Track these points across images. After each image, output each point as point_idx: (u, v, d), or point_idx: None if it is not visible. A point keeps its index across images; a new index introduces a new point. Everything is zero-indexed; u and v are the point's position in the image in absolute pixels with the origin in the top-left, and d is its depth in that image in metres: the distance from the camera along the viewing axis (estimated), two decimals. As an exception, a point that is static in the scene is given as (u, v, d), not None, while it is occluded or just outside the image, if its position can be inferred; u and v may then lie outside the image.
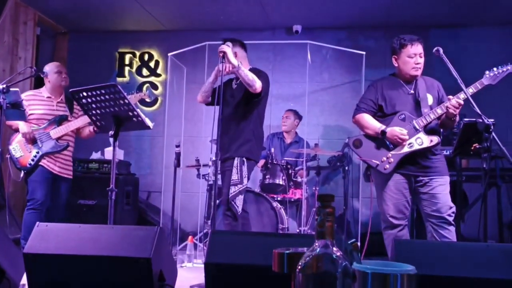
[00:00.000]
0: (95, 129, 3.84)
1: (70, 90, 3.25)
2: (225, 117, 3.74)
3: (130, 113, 3.17)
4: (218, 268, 2.37)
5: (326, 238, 1.03)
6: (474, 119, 2.91)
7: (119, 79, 6.80)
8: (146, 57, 6.78)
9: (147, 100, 6.46)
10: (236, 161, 3.75)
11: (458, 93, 3.20)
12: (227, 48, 3.60)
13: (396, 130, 3.32)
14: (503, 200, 5.05)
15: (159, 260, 2.44)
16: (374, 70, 5.74)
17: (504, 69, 3.29)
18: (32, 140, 4.12)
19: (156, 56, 6.76)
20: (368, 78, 5.40)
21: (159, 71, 6.75)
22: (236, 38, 3.93)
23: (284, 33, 6.48)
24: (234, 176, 3.73)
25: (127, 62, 6.80)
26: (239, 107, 3.82)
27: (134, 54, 6.81)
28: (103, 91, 3.11)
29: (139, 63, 6.78)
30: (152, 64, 6.76)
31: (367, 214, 5.91)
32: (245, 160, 3.78)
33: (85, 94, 3.18)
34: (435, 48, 3.30)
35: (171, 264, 2.70)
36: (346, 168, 5.49)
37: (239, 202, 3.73)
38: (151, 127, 3.25)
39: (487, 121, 2.81)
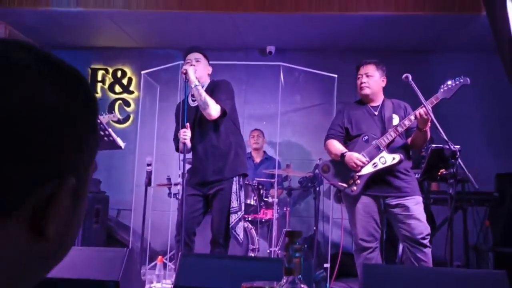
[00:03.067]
0: None
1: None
2: (199, 134, 3.69)
3: (102, 132, 3.15)
4: (187, 292, 2.36)
5: (294, 274, 1.04)
6: (441, 145, 2.99)
7: (91, 96, 6.74)
8: (119, 74, 6.76)
9: (118, 117, 6.41)
10: (235, 186, 3.64)
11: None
12: (190, 68, 3.62)
13: (354, 155, 3.40)
14: (469, 222, 5.18)
15: (128, 283, 2.42)
16: (346, 92, 5.84)
17: (457, 82, 3.40)
18: None
19: (129, 73, 6.74)
20: (340, 100, 5.50)
21: (132, 88, 6.72)
22: (202, 49, 3.91)
23: (257, 54, 6.55)
24: (234, 204, 3.61)
25: (99, 78, 6.76)
26: (211, 123, 3.67)
27: (106, 71, 6.77)
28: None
29: (112, 80, 6.75)
30: (125, 81, 6.74)
31: (337, 234, 5.95)
32: (241, 180, 3.70)
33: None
34: (404, 75, 3.39)
35: (140, 287, 2.68)
36: (317, 189, 5.53)
37: (239, 230, 3.68)
38: (122, 147, 3.24)
39: (453, 147, 2.89)
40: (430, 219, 4.70)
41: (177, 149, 3.89)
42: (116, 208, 6.38)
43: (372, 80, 3.54)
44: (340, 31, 5.78)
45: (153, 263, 5.37)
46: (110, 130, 3.16)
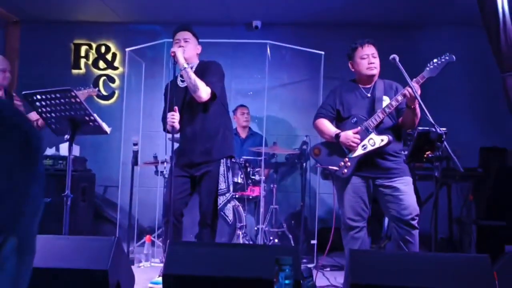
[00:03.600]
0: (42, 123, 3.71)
1: (23, 92, 3.16)
2: (188, 116, 3.67)
3: (87, 118, 3.12)
4: (176, 280, 2.38)
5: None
6: (428, 128, 3.00)
7: (75, 71, 6.64)
8: (103, 49, 6.64)
9: (102, 93, 6.33)
10: (222, 167, 3.65)
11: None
12: (178, 50, 3.57)
13: (349, 134, 3.41)
14: (453, 196, 5.27)
15: (116, 271, 2.43)
16: (332, 68, 5.82)
17: (443, 60, 3.38)
18: None
19: (113, 48, 6.63)
20: (327, 75, 5.48)
21: (116, 64, 6.63)
22: (191, 28, 3.84)
23: (244, 29, 6.47)
24: (222, 185, 3.63)
25: (83, 54, 6.65)
26: (200, 105, 3.65)
27: (90, 46, 6.65)
28: (58, 95, 3.05)
29: (96, 56, 6.64)
30: (109, 57, 6.63)
31: (324, 210, 6.02)
32: (229, 162, 3.72)
33: (39, 97, 3.11)
34: (391, 56, 3.37)
35: (128, 274, 2.69)
36: (304, 164, 5.56)
37: (228, 211, 3.72)
38: (108, 132, 3.21)
39: (440, 130, 2.91)
40: (416, 195, 4.78)
41: (165, 130, 3.88)
42: (102, 185, 6.37)
43: (377, 60, 3.52)
44: (325, 6, 5.71)
45: (141, 241, 5.40)
46: (95, 115, 3.11)
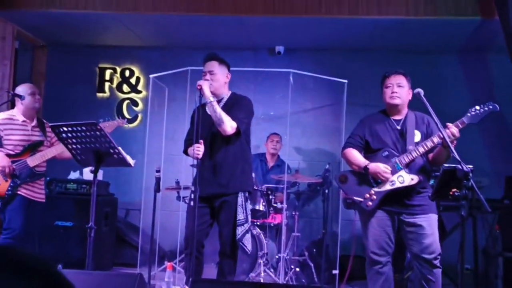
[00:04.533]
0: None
1: (50, 124, 3.21)
2: (210, 146, 3.67)
3: (111, 150, 3.15)
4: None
5: None
6: (454, 165, 2.95)
7: (99, 95, 6.74)
8: (127, 73, 6.73)
9: (125, 125, 6.37)
10: (240, 198, 3.65)
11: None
12: (205, 83, 3.59)
13: (379, 167, 3.37)
14: (478, 225, 5.17)
15: (138, 310, 2.43)
16: (355, 94, 5.81)
17: (486, 108, 3.30)
18: (10, 173, 4.04)
19: (137, 72, 6.72)
20: (349, 101, 5.47)
21: (139, 87, 6.70)
22: (219, 56, 3.83)
23: (266, 54, 6.50)
24: (240, 216, 3.63)
25: (107, 77, 6.75)
26: (223, 136, 3.64)
27: (115, 70, 6.75)
28: (84, 128, 3.08)
29: (120, 79, 6.73)
30: (133, 81, 6.72)
31: (347, 237, 5.96)
32: (247, 194, 3.72)
33: (65, 129, 3.15)
34: (416, 90, 3.34)
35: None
36: (326, 191, 5.52)
37: (246, 241, 3.70)
38: (132, 165, 3.23)
39: (466, 168, 2.86)
40: (440, 226, 4.69)
41: (185, 152, 3.90)
42: (124, 208, 6.41)
43: (403, 90, 3.48)
44: (349, 33, 5.72)
45: (162, 267, 5.41)
46: (119, 148, 3.14)
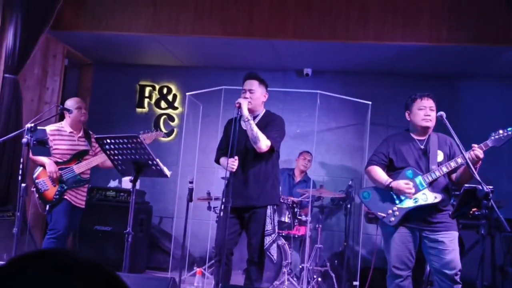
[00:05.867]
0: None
1: (95, 136, 3.28)
2: (243, 159, 3.66)
3: (150, 162, 3.19)
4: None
5: None
6: (474, 186, 2.89)
7: (139, 110, 6.84)
8: (165, 90, 6.83)
9: (162, 138, 6.45)
10: (269, 211, 3.65)
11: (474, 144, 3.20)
12: (243, 101, 3.60)
13: (401, 184, 3.32)
14: (496, 245, 5.03)
15: (171, 312, 2.44)
16: (378, 115, 5.77)
17: (510, 132, 3.23)
18: (58, 178, 4.14)
19: (174, 90, 6.81)
20: (372, 121, 5.43)
21: (176, 104, 6.78)
22: (259, 75, 3.83)
23: (294, 75, 6.51)
24: (268, 227, 3.63)
25: (146, 94, 6.85)
26: (257, 152, 3.62)
27: (153, 87, 6.85)
28: (125, 140, 3.13)
29: (158, 96, 6.82)
30: (170, 98, 6.80)
31: (367, 250, 5.88)
32: (275, 206, 3.73)
33: (108, 141, 3.20)
34: (439, 113, 3.30)
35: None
36: (349, 206, 5.47)
37: (273, 251, 3.70)
38: (168, 176, 3.26)
39: (486, 188, 2.80)
40: (459, 243, 4.60)
41: (217, 161, 3.92)
42: (158, 215, 6.46)
43: (434, 114, 3.44)
44: (374, 58, 5.69)
45: (192, 272, 5.41)
46: (157, 160, 3.17)
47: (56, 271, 0.58)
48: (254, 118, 3.71)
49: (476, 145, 3.19)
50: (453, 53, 5.30)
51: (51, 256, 0.60)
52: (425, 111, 3.43)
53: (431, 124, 3.44)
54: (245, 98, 3.65)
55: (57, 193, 4.12)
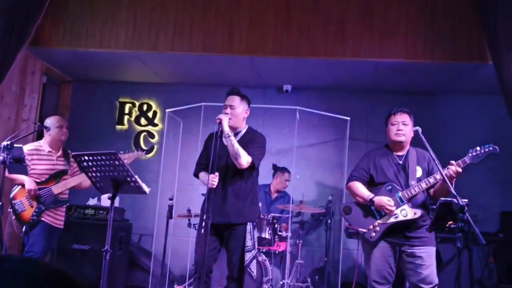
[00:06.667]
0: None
1: (72, 154, 3.26)
2: (223, 175, 3.64)
3: (128, 179, 3.17)
4: None
5: None
6: (450, 199, 2.94)
7: (118, 127, 6.80)
8: (145, 107, 6.80)
9: (142, 157, 6.42)
10: (249, 226, 3.65)
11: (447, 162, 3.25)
12: (224, 117, 3.60)
13: (383, 200, 3.36)
14: (474, 258, 5.09)
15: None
16: (357, 130, 5.83)
17: (486, 150, 3.31)
18: (35, 196, 4.07)
19: (154, 107, 6.79)
20: (352, 137, 5.48)
21: (156, 121, 6.76)
22: (241, 91, 3.83)
23: (275, 92, 6.56)
24: (248, 243, 3.61)
25: (126, 111, 6.81)
26: (237, 169, 3.63)
27: (133, 104, 6.82)
28: (104, 157, 3.11)
29: (138, 113, 6.79)
30: (150, 114, 6.78)
31: (347, 265, 5.88)
32: (254, 223, 3.72)
33: (86, 158, 3.18)
34: (415, 128, 3.37)
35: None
36: (329, 221, 5.49)
37: (253, 267, 3.68)
38: (147, 192, 3.25)
39: (462, 202, 2.85)
40: (437, 257, 4.65)
41: (196, 175, 3.91)
42: (138, 233, 6.38)
43: (407, 128, 3.49)
44: (352, 74, 5.77)
45: (172, 290, 5.35)
46: (136, 177, 3.16)
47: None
48: (236, 134, 3.72)
49: (454, 162, 3.24)
50: (429, 70, 5.41)
51: None
52: (397, 126, 3.49)
53: (403, 138, 3.49)
54: (226, 113, 3.66)
55: (34, 214, 4.05)
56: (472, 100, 6.14)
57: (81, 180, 4.13)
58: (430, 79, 5.74)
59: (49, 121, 4.33)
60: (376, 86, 6.14)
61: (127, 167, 3.11)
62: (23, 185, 4.07)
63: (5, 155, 3.58)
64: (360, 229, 3.46)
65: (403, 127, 3.48)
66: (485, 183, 5.89)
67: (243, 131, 3.78)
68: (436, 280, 3.29)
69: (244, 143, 3.62)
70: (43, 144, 4.29)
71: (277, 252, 5.12)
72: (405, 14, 5.13)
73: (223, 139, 3.61)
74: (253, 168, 3.65)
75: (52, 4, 5.44)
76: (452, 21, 5.07)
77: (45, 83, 6.32)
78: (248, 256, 3.63)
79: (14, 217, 4.07)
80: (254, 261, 3.72)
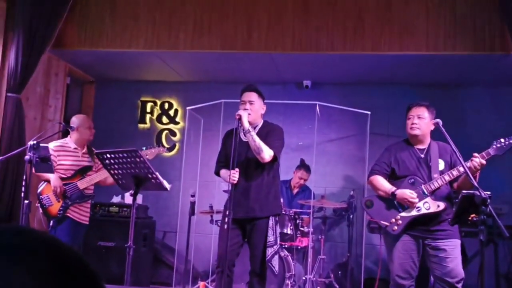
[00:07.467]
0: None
1: (96, 152, 3.31)
2: (244, 171, 3.66)
3: (150, 175, 3.21)
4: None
5: None
6: (472, 192, 2.89)
7: (141, 126, 6.88)
8: (166, 106, 6.87)
9: (164, 153, 6.47)
10: (271, 221, 3.65)
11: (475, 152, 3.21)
12: (244, 113, 3.62)
13: (406, 193, 3.33)
14: (501, 253, 5.00)
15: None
16: (378, 124, 5.79)
17: (511, 141, 3.26)
18: (62, 193, 4.17)
19: (175, 105, 6.85)
20: (372, 131, 5.44)
21: (177, 119, 6.82)
22: (257, 88, 3.84)
23: (294, 88, 6.54)
24: (270, 238, 3.62)
25: (148, 110, 6.89)
26: (258, 163, 3.63)
27: (155, 103, 6.90)
28: (125, 155, 3.16)
29: (160, 111, 6.86)
30: (171, 113, 6.84)
31: (370, 260, 5.85)
32: (277, 217, 3.72)
33: (108, 156, 3.23)
34: (435, 120, 3.33)
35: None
36: (351, 216, 5.46)
37: (275, 262, 3.69)
38: (168, 189, 3.28)
39: (484, 194, 2.80)
40: (462, 251, 4.58)
41: (217, 173, 3.92)
42: (162, 230, 6.46)
43: (423, 122, 3.45)
44: (372, 68, 5.72)
45: (195, 286, 5.40)
46: (157, 173, 3.20)
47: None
48: (253, 129, 3.73)
49: (477, 154, 3.20)
50: (450, 62, 5.32)
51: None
52: (411, 120, 3.47)
53: (418, 132, 3.45)
54: (245, 109, 3.67)
55: (61, 208, 4.14)
56: (494, 91, 6.03)
57: (106, 175, 4.19)
58: (451, 71, 5.65)
59: (77, 121, 4.42)
60: (396, 79, 6.07)
61: (148, 164, 3.14)
62: (49, 181, 4.17)
63: (32, 155, 3.65)
64: (382, 222, 3.43)
65: (417, 121, 3.45)
66: (510, 177, 5.78)
67: (260, 125, 3.80)
68: (462, 274, 3.23)
69: (262, 136, 3.63)
70: (69, 142, 4.39)
71: (299, 247, 5.12)
72: (425, 6, 5.05)
73: (242, 135, 3.62)
74: (275, 160, 3.65)
75: (74, 6, 5.54)
76: (473, 12, 4.98)
77: (69, 84, 6.44)
78: (270, 251, 3.63)
79: (41, 212, 4.17)
80: (276, 256, 3.72)
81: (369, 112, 5.25)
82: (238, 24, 5.38)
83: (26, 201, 3.56)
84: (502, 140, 3.25)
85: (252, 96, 3.75)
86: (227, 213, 3.49)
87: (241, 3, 5.41)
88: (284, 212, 4.95)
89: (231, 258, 3.64)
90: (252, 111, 3.69)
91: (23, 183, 3.62)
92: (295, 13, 5.29)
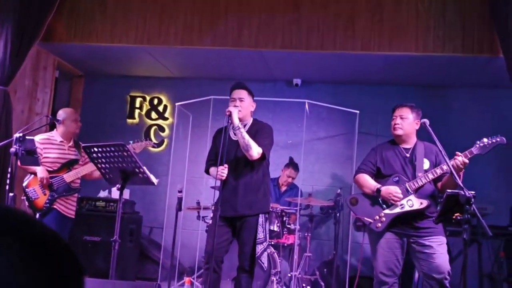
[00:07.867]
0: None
1: (83, 145, 3.29)
2: (233, 168, 3.66)
3: (137, 170, 3.20)
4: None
5: None
6: (457, 191, 2.92)
7: (129, 121, 6.84)
8: (155, 101, 6.84)
9: (152, 148, 6.46)
10: (261, 218, 3.66)
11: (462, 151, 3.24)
12: (234, 109, 3.62)
13: (390, 189, 3.37)
14: (484, 253, 5.06)
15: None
16: (367, 123, 5.82)
17: (494, 141, 3.29)
18: (48, 185, 4.14)
19: (164, 101, 6.82)
20: (361, 131, 5.48)
21: (166, 115, 6.79)
22: (247, 86, 3.85)
23: (284, 86, 6.55)
24: (260, 235, 3.63)
25: (137, 105, 6.85)
26: (247, 160, 3.64)
27: (144, 98, 6.86)
28: (112, 149, 3.15)
29: (149, 107, 6.83)
30: (160, 108, 6.81)
31: (356, 258, 5.87)
32: (266, 214, 3.74)
33: (95, 149, 3.22)
34: (422, 120, 3.36)
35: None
36: (338, 214, 5.48)
37: (264, 259, 3.70)
38: (155, 183, 3.27)
39: (468, 194, 2.83)
40: (447, 250, 4.63)
41: (207, 171, 3.92)
42: (149, 226, 6.44)
43: (406, 122, 3.51)
44: (362, 67, 5.74)
45: (181, 281, 5.39)
46: (144, 168, 3.19)
47: None
48: (243, 126, 3.73)
49: (460, 153, 3.24)
50: (439, 63, 5.36)
51: None
52: (394, 121, 3.55)
53: (401, 132, 3.51)
54: (235, 106, 3.68)
55: (47, 201, 4.12)
56: (483, 93, 6.08)
57: (92, 169, 4.17)
58: (440, 72, 5.69)
59: (64, 114, 4.40)
60: (386, 79, 6.11)
61: (135, 157, 3.14)
62: (35, 174, 4.14)
63: (18, 147, 3.62)
64: (366, 219, 3.46)
65: (400, 121, 3.52)
66: (496, 178, 5.85)
67: (249, 123, 3.80)
68: (448, 269, 3.27)
69: (252, 134, 3.63)
70: (55, 135, 4.37)
71: (285, 244, 5.13)
72: (415, 7, 5.09)
73: (233, 132, 3.63)
74: (264, 158, 3.66)
75: (64, 0, 5.49)
76: (463, 14, 5.02)
77: (57, 78, 6.38)
78: (259, 248, 3.65)
79: (27, 204, 4.14)
80: (265, 253, 3.74)
81: (358, 111, 5.28)
82: (229, 20, 5.37)
83: (11, 194, 3.53)
84: (485, 140, 3.30)
85: (242, 93, 3.76)
86: (214, 209, 3.49)
87: (232, 0, 5.40)
88: (271, 209, 4.96)
89: (220, 254, 3.65)
90: (242, 108, 3.70)
91: (8, 175, 3.59)
92: (286, 11, 5.29)
